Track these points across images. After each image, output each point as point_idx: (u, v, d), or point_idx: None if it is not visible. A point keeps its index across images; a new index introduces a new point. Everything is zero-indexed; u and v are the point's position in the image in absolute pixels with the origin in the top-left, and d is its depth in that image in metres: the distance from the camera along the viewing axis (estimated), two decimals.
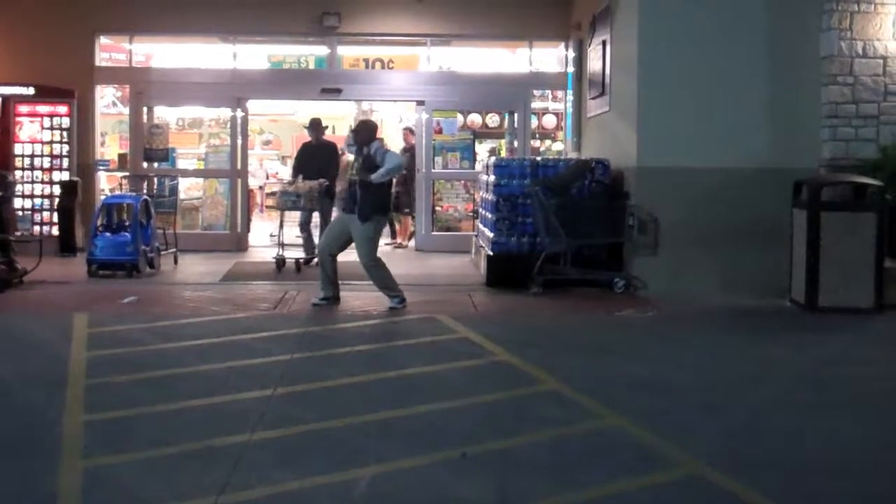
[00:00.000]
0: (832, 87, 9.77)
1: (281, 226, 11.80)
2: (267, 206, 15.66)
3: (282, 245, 11.65)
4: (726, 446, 4.97)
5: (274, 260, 11.47)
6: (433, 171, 14.21)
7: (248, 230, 14.49)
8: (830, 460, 4.80)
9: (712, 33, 9.95)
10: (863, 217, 8.90)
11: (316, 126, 12.39)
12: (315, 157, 12.06)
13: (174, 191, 13.69)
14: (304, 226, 12.17)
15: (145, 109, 14.08)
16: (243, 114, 14.07)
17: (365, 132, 9.21)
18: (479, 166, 13.78)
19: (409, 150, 14.25)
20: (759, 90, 9.94)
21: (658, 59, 9.98)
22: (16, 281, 10.06)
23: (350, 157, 11.14)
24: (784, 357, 7.24)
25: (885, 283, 8.92)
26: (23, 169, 13.34)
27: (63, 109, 13.33)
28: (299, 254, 11.90)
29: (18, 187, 13.05)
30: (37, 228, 13.16)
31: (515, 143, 14.32)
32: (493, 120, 15.62)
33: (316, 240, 11.13)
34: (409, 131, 14.94)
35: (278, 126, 23.52)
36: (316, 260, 10.23)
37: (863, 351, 7.54)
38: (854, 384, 6.41)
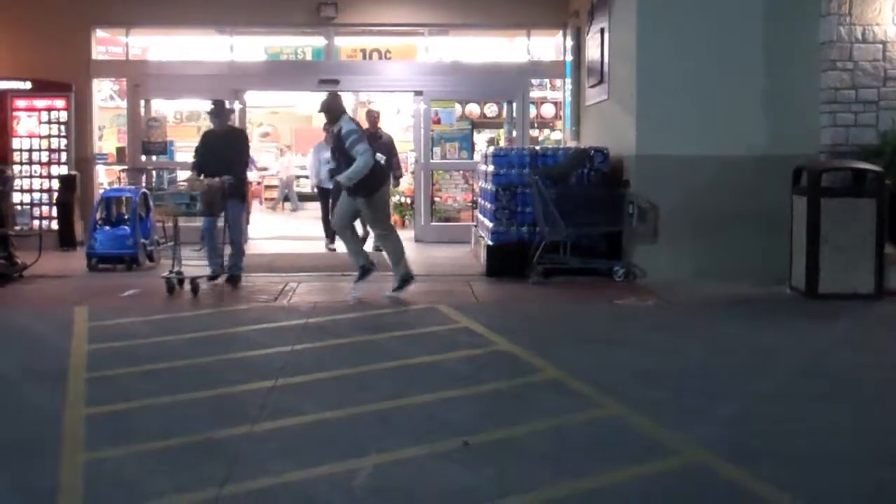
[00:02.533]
0: (831, 72, 9.74)
1: (176, 236, 9.59)
2: (156, 206, 11.83)
3: (177, 260, 9.45)
4: (727, 434, 4.96)
5: (164, 280, 9.37)
6: (432, 161, 14.18)
7: (248, 223, 14.46)
8: (831, 448, 4.79)
9: (711, 20, 9.92)
10: (862, 203, 8.88)
11: (219, 111, 10.07)
12: (219, 148, 9.72)
13: (173, 184, 13.66)
14: (209, 235, 9.90)
15: (143, 103, 14.06)
16: (241, 106, 14.04)
17: (333, 111, 9.12)
18: (477, 156, 13.77)
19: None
20: (758, 76, 9.92)
21: (656, 46, 9.96)
22: (15, 275, 10.06)
23: None
24: (784, 344, 7.24)
25: (885, 269, 8.92)
26: (21, 163, 13.33)
27: (60, 103, 13.32)
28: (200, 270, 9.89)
29: (17, 182, 13.05)
30: (36, 223, 13.16)
31: (514, 133, 14.29)
32: (491, 110, 15.60)
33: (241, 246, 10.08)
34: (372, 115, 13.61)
35: (277, 118, 23.55)
36: (221, 279, 9.69)
37: (863, 337, 7.54)
38: (855, 371, 6.41)
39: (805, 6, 9.88)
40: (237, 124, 13.93)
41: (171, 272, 9.34)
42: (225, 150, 9.64)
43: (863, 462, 4.59)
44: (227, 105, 10.35)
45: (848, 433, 5.05)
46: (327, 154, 11.56)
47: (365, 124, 12.26)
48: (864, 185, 9.05)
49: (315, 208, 19.46)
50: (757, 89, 9.92)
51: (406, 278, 9.05)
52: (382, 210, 9.27)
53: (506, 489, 4.18)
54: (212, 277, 9.70)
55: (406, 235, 12.22)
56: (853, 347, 7.14)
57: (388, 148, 12.70)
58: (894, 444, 4.94)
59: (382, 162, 11.47)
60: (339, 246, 9.36)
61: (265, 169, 21.07)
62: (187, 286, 9.35)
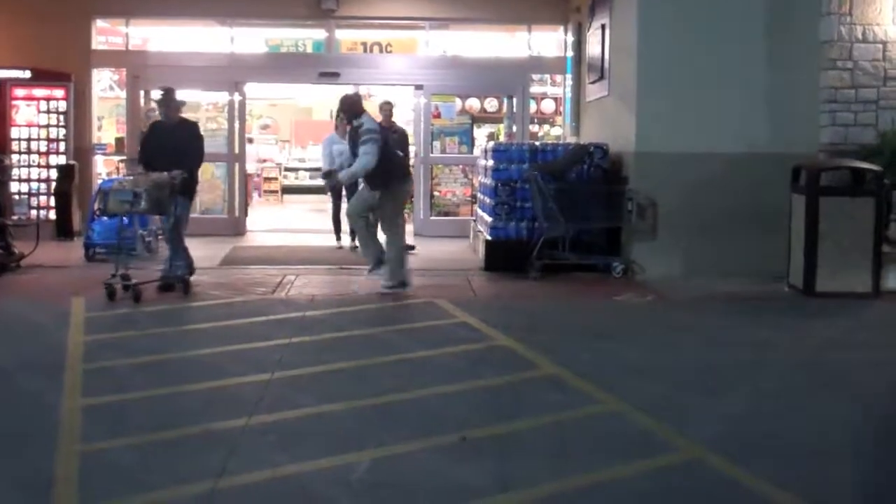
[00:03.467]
0: (831, 71, 9.74)
1: (119, 232, 8.94)
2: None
3: (122, 263, 8.54)
4: (725, 431, 4.97)
5: (105, 287, 8.41)
6: (431, 155, 14.17)
7: (246, 214, 14.47)
8: (829, 445, 4.81)
9: (712, 18, 9.91)
10: (861, 202, 8.88)
11: (169, 100, 9.20)
12: (169, 141, 8.88)
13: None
14: (171, 235, 9.04)
15: (142, 93, 14.02)
16: (241, 98, 14.02)
17: (353, 111, 9.03)
18: (477, 151, 13.75)
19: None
20: (758, 75, 9.92)
21: (657, 43, 9.95)
22: (13, 265, 10.04)
23: None
24: (782, 342, 7.24)
25: (883, 269, 8.93)
26: (19, 153, 13.29)
27: (60, 93, 13.28)
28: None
29: (15, 171, 13.02)
30: (34, 212, 13.12)
31: (514, 128, 14.28)
32: (491, 104, 15.59)
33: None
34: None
35: (277, 110, 23.51)
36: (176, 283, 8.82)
37: (861, 336, 7.54)
38: (852, 369, 6.42)
39: (806, 5, 9.88)
40: (237, 116, 13.98)
41: (113, 275, 8.42)
42: (175, 144, 8.80)
43: (860, 459, 4.60)
44: (176, 94, 9.37)
45: (846, 430, 5.05)
46: (339, 146, 11.41)
47: (378, 118, 12.14)
48: (863, 184, 9.06)
49: (308, 200, 19.54)
50: (757, 87, 9.92)
51: (403, 283, 8.98)
52: (395, 208, 9.11)
53: (504, 484, 4.18)
54: (166, 286, 8.79)
55: (405, 229, 12.17)
56: (850, 345, 7.15)
57: (402, 143, 12.19)
58: (892, 441, 4.94)
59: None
60: (343, 243, 9.35)
61: (265, 161, 21.02)
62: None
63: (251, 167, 17.98)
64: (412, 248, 11.19)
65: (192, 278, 9.09)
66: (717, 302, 8.82)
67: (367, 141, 8.72)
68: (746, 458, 4.48)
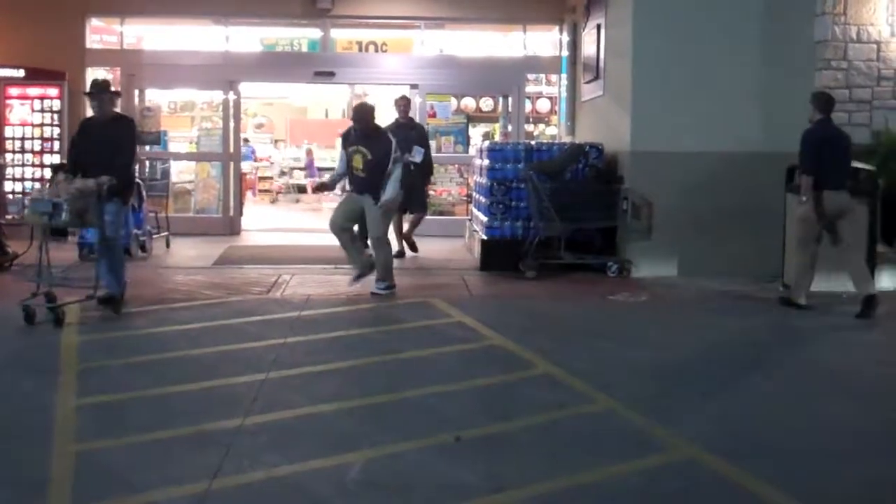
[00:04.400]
0: (826, 71, 9.77)
1: (42, 248, 7.50)
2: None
3: (44, 280, 7.48)
4: (719, 430, 4.98)
5: (23, 309, 7.38)
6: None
7: (241, 214, 14.44)
8: (823, 444, 4.81)
9: (706, 18, 9.92)
10: (855, 202, 8.87)
11: (100, 93, 8.03)
12: (99, 141, 7.77)
13: (166, 174, 13.63)
14: (101, 247, 7.87)
15: (137, 92, 14.00)
16: (236, 97, 14.00)
17: (364, 120, 8.92)
18: (472, 150, 13.74)
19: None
20: (752, 74, 9.93)
21: (652, 43, 9.95)
22: (7, 265, 10.01)
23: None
24: (776, 341, 7.26)
25: (877, 268, 8.93)
26: (13, 152, 13.26)
27: (54, 92, 13.25)
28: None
29: (9, 170, 12.99)
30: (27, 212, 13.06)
31: (509, 127, 14.28)
32: (486, 104, 15.55)
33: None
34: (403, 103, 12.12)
35: (272, 109, 23.49)
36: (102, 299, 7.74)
37: (855, 335, 7.54)
38: (847, 368, 6.43)
39: (800, 5, 9.90)
40: (232, 115, 13.95)
41: (34, 294, 7.44)
42: (107, 143, 7.70)
43: (855, 458, 4.60)
44: (111, 86, 8.38)
45: (840, 429, 5.07)
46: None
47: (391, 115, 11.79)
48: (857, 183, 9.05)
49: (303, 200, 19.51)
50: (752, 87, 9.93)
51: (389, 287, 8.93)
52: (387, 215, 9.05)
53: (498, 484, 4.18)
54: (105, 300, 7.78)
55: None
56: (845, 345, 7.16)
57: (422, 139, 11.80)
58: (888, 439, 4.95)
59: (417, 159, 11.18)
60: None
61: (258, 160, 21.02)
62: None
63: (246, 167, 17.97)
64: (402, 254, 11.17)
65: (190, 278, 9.06)
66: (711, 301, 8.83)
67: (395, 164, 8.82)
68: (741, 457, 4.48)
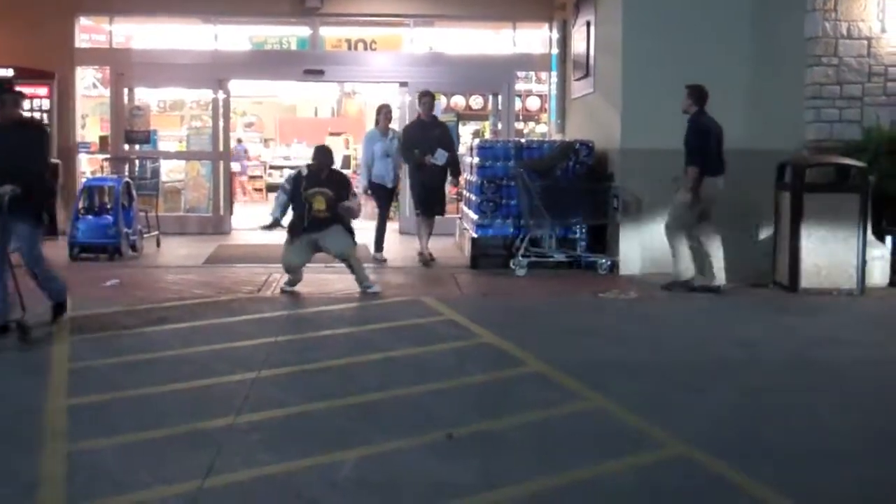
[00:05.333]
0: (816, 68, 9.78)
1: None
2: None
3: None
4: (710, 428, 4.98)
5: None
6: (416, 152, 14.10)
7: (231, 213, 14.41)
8: (814, 442, 4.82)
9: (696, 15, 9.93)
10: (846, 198, 8.91)
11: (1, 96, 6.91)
12: (4, 148, 6.69)
13: (156, 173, 13.58)
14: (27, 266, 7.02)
15: (126, 91, 13.95)
16: (225, 95, 13.97)
17: (331, 163, 8.93)
18: (462, 148, 13.73)
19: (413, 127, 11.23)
20: (742, 71, 9.95)
21: (642, 40, 9.96)
22: None
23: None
24: (766, 339, 7.26)
25: (867, 265, 8.96)
26: None
27: (43, 91, 13.17)
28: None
29: None
30: None
31: (499, 125, 14.28)
32: (476, 102, 15.57)
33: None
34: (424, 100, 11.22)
35: (262, 108, 23.43)
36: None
37: (846, 333, 7.55)
38: (837, 366, 6.44)
39: (791, 1, 9.91)
40: (221, 114, 13.90)
41: None
42: (12, 150, 6.73)
43: (845, 456, 4.61)
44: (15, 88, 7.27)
45: (832, 427, 5.08)
46: (383, 145, 10.97)
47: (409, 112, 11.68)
48: (848, 180, 9.09)
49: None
50: (742, 84, 9.94)
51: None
52: (350, 231, 8.99)
53: (491, 482, 4.17)
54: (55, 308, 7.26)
55: (391, 227, 12.15)
56: (836, 342, 7.17)
57: (446, 139, 10.96)
58: (877, 438, 4.96)
59: (440, 162, 10.60)
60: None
61: (250, 159, 20.99)
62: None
63: (236, 167, 17.92)
64: (431, 260, 10.84)
65: (181, 277, 9.01)
66: (702, 299, 8.84)
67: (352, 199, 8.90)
68: (732, 455, 4.49)
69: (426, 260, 10.70)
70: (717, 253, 8.88)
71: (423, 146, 10.59)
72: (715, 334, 7.45)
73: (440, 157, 10.65)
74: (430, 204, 10.85)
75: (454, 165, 10.98)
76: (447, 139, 11.01)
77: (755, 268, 9.45)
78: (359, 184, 11.11)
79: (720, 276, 8.86)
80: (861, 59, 9.76)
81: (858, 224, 8.86)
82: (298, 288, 8.94)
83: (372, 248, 10.92)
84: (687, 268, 8.94)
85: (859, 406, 5.52)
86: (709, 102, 8.91)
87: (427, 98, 11.00)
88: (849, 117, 9.77)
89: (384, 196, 11.23)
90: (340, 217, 8.75)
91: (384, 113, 11.24)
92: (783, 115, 9.90)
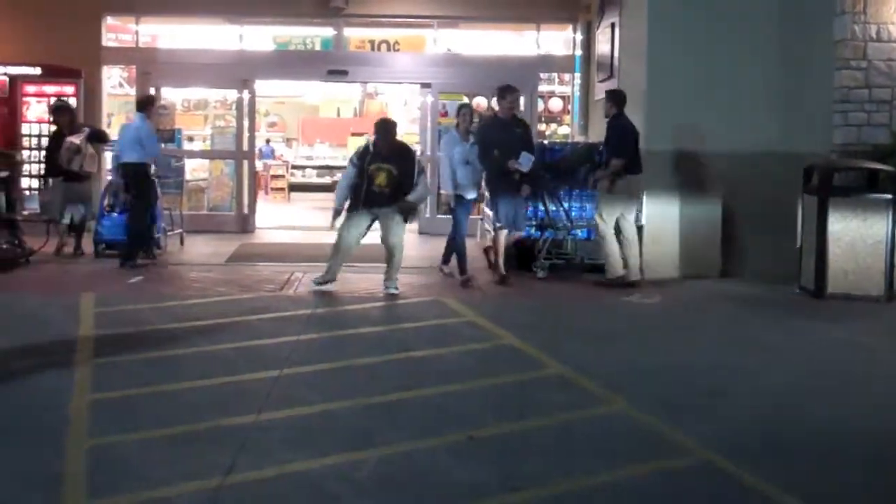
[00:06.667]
0: (845, 71, 9.68)
1: None
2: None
3: None
4: (733, 433, 4.94)
5: None
6: (438, 154, 14.12)
7: (254, 211, 14.45)
8: (838, 448, 4.77)
9: (723, 16, 9.86)
10: (874, 203, 8.82)
11: None
12: None
13: (180, 172, 13.64)
14: None
15: (152, 90, 14.02)
16: (249, 95, 14.01)
17: (393, 136, 8.83)
18: None
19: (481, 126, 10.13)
20: (769, 74, 9.86)
21: (667, 42, 9.90)
22: (23, 260, 10.05)
23: None
24: (791, 344, 7.19)
25: (895, 271, 8.86)
26: (30, 149, 13.31)
27: (70, 90, 13.27)
28: None
29: (25, 167, 13.03)
30: None
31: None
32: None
33: None
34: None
35: (284, 108, 23.53)
36: None
37: (871, 339, 7.47)
38: (862, 372, 6.37)
39: (819, 4, 9.82)
40: (245, 114, 13.95)
41: None
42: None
43: (870, 464, 4.56)
44: None
45: (854, 434, 5.02)
46: (461, 149, 9.59)
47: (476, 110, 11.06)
48: (876, 185, 8.99)
49: (315, 198, 19.47)
50: (768, 86, 9.86)
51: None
52: (404, 222, 8.96)
53: (511, 484, 4.15)
54: None
55: (410, 228, 12.09)
56: (861, 349, 7.10)
57: (527, 140, 9.57)
58: None
59: (524, 167, 9.18)
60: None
61: (276, 159, 21.09)
62: None
63: (259, 166, 17.99)
64: (506, 279, 10.02)
65: (204, 275, 9.05)
66: (725, 303, 8.78)
67: (420, 175, 8.93)
68: (755, 460, 4.45)
69: (505, 280, 9.44)
70: (632, 251, 9.25)
71: (504, 149, 9.22)
72: (738, 339, 7.38)
73: (525, 161, 9.19)
74: (517, 218, 9.49)
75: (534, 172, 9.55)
76: (529, 141, 9.65)
77: (780, 272, 9.36)
78: (445, 190, 10.12)
79: (635, 271, 9.26)
80: (890, 63, 9.65)
81: (887, 229, 8.76)
82: (307, 287, 8.93)
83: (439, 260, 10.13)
84: (617, 262, 9.24)
85: (882, 413, 5.45)
86: (626, 106, 9.38)
87: (512, 94, 9.47)
88: (877, 121, 9.66)
89: (464, 208, 9.74)
90: (401, 196, 8.68)
91: (465, 113, 9.99)
92: (811, 118, 9.80)
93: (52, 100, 13.00)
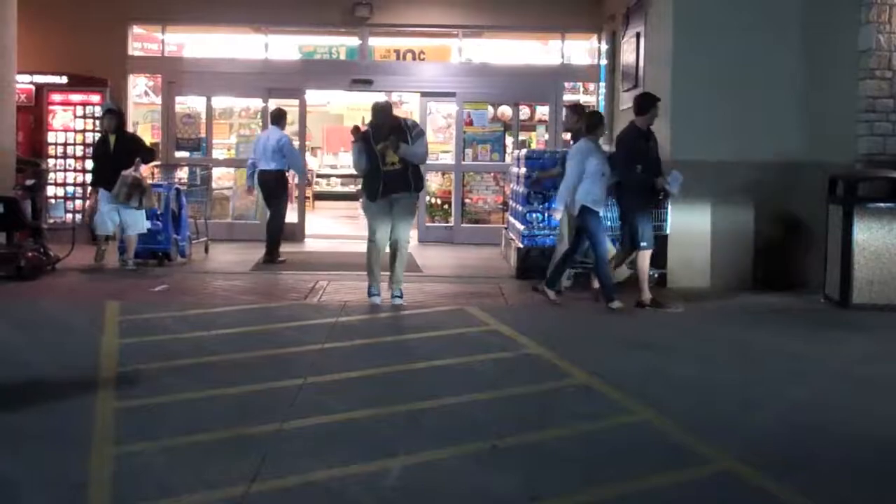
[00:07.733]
0: (869, 81, 9.63)
1: None
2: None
3: None
4: (757, 443, 4.90)
5: None
6: (463, 163, 14.17)
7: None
8: (862, 459, 4.72)
9: (747, 26, 9.83)
10: None
11: None
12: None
13: (206, 180, 13.74)
14: None
15: (177, 99, 14.15)
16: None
17: (391, 116, 8.76)
18: (508, 158, 13.73)
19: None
20: (794, 84, 9.82)
21: (692, 51, 9.88)
22: (48, 268, 10.15)
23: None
24: (816, 355, 7.14)
25: None
26: (56, 157, 13.45)
27: (96, 98, 13.43)
28: None
29: (51, 175, 13.17)
30: (69, 216, 13.26)
31: (546, 135, 14.24)
32: (523, 112, 15.53)
33: None
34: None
35: (309, 117, 23.58)
36: None
37: None
38: (887, 383, 6.31)
39: (844, 14, 9.77)
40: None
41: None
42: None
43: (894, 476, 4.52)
44: None
45: (880, 445, 4.97)
46: (599, 161, 8.72)
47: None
48: None
49: (339, 207, 19.50)
50: (793, 96, 9.82)
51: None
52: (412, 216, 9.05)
53: (535, 493, 4.14)
54: None
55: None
56: (887, 359, 7.04)
57: (658, 159, 8.94)
58: None
59: (674, 189, 8.67)
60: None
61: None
62: None
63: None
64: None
65: (229, 283, 9.11)
66: (751, 313, 8.73)
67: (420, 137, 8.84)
68: (778, 470, 4.41)
69: (654, 303, 8.75)
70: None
71: (646, 165, 8.63)
72: (762, 349, 7.33)
73: (674, 181, 8.58)
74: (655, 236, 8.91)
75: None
76: (658, 156, 8.99)
77: (806, 281, 9.31)
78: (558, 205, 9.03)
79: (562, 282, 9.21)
80: None
81: None
82: (331, 296, 8.94)
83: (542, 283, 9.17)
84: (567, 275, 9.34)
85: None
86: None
87: (656, 106, 8.70)
88: None
89: (599, 223, 8.78)
90: (412, 172, 8.59)
91: (599, 118, 9.35)
92: (835, 128, 9.75)
93: (91, 108, 13.10)
